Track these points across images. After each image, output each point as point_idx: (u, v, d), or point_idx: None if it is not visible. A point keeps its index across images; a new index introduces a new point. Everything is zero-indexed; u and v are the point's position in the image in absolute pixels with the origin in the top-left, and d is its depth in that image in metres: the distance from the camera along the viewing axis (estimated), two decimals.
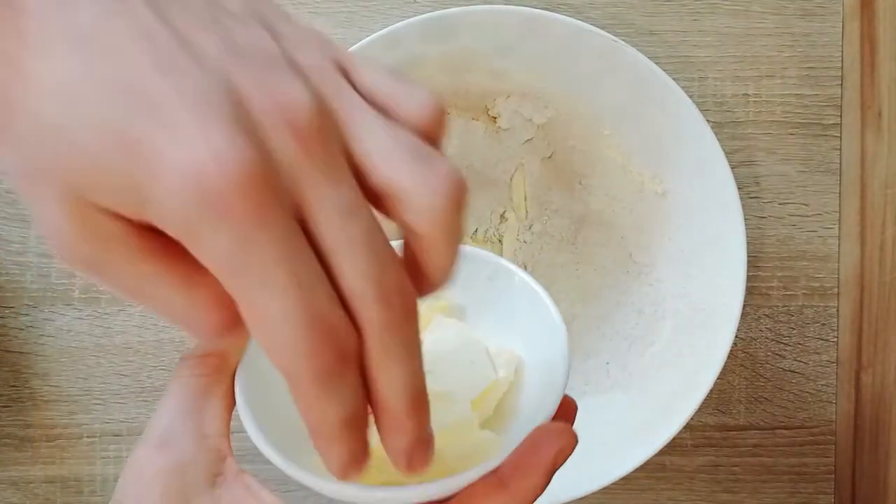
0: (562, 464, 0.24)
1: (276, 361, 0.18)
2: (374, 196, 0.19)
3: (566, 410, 0.27)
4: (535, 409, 0.27)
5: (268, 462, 0.24)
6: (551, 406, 0.26)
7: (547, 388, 0.27)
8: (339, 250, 0.18)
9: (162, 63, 0.17)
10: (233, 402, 0.26)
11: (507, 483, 0.23)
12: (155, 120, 0.17)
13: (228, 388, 0.26)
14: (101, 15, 0.18)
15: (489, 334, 0.31)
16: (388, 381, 0.19)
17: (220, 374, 0.26)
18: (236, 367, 0.26)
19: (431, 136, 0.20)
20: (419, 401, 0.20)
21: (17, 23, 0.18)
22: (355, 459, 0.20)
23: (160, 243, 0.18)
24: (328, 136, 0.18)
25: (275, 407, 0.25)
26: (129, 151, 0.17)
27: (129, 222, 0.18)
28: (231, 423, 0.26)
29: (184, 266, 0.19)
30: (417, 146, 0.19)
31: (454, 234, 0.20)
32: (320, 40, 0.20)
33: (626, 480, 0.41)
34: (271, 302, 0.18)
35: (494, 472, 0.23)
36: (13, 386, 0.47)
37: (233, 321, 0.19)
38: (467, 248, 0.28)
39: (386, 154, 0.19)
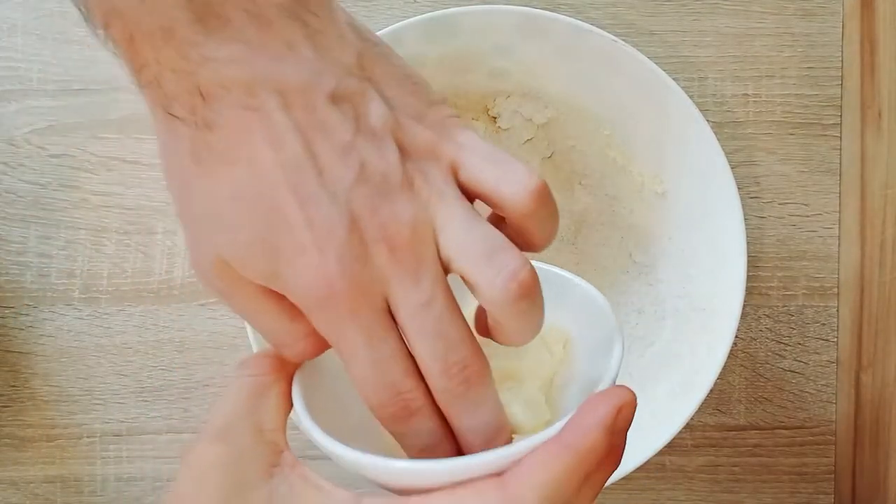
0: (625, 422, 0.24)
1: (371, 409, 0.25)
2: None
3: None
4: (592, 382, 0.27)
5: (324, 460, 0.26)
6: (609, 376, 0.26)
7: (600, 362, 0.28)
8: (414, 336, 0.24)
9: (302, 195, 0.23)
10: (289, 403, 0.27)
11: (566, 443, 0.23)
12: (290, 239, 0.24)
13: (285, 388, 0.27)
14: (262, 146, 0.23)
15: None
16: (458, 424, 0.26)
17: (277, 374, 0.27)
18: (293, 370, 0.28)
19: (529, 217, 0.25)
20: (491, 436, 0.26)
21: (208, 138, 0.24)
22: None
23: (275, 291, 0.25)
24: (418, 246, 0.24)
25: (332, 411, 0.27)
26: (268, 252, 0.24)
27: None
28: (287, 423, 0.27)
29: (290, 306, 0.25)
30: (492, 245, 0.24)
31: (523, 318, 0.25)
32: (442, 137, 0.25)
33: (626, 480, 0.41)
34: (355, 369, 0.25)
35: (556, 437, 0.23)
36: (13, 386, 0.47)
37: (317, 350, 0.26)
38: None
39: (463, 253, 0.24)
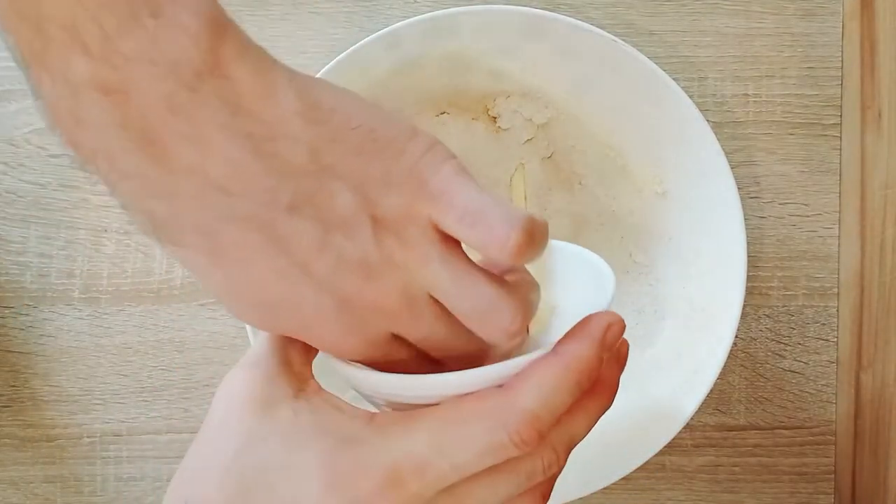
0: (613, 338, 0.26)
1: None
2: None
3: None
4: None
5: None
6: (602, 304, 0.28)
7: (594, 294, 0.30)
8: (429, 351, 0.27)
9: (293, 295, 0.25)
10: (314, 351, 0.29)
11: (560, 352, 0.26)
12: (296, 322, 0.26)
13: None
14: (242, 261, 0.24)
15: None
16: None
17: None
18: None
19: (517, 262, 0.25)
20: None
21: (178, 253, 0.25)
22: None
23: None
24: (412, 307, 0.25)
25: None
26: (281, 325, 0.26)
27: None
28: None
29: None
30: (482, 306, 0.25)
31: (518, 345, 0.27)
32: (416, 196, 0.25)
33: (626, 480, 0.41)
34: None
35: (550, 350, 0.26)
36: (13, 386, 0.47)
37: None
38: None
39: (456, 311, 0.26)
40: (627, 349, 0.29)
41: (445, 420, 0.25)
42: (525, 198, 0.45)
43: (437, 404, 0.26)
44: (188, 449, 0.27)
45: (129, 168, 0.23)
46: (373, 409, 0.28)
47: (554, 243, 0.33)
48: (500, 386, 0.26)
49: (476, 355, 0.28)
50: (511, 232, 0.24)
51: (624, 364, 0.29)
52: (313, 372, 0.29)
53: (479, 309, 0.25)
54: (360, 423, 0.26)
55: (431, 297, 0.26)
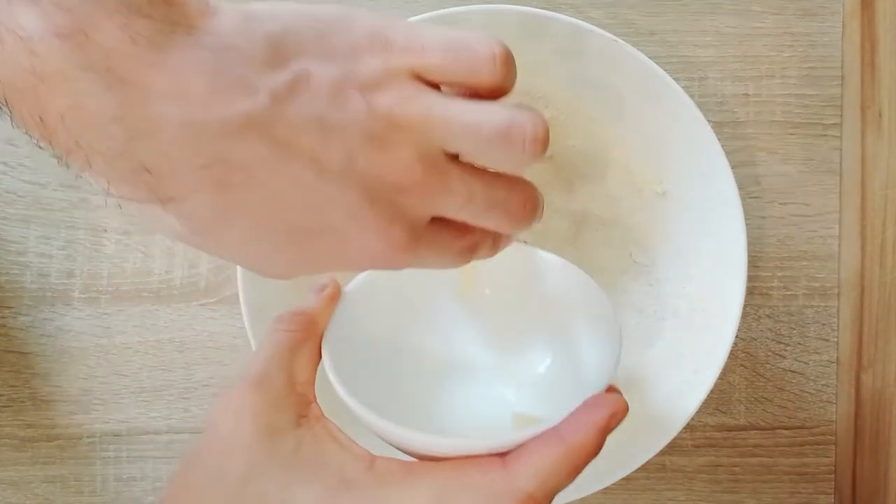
0: (614, 427, 0.27)
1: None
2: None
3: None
4: (588, 373, 0.30)
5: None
6: (606, 376, 0.28)
7: (597, 356, 0.30)
8: (475, 221, 0.26)
9: (317, 204, 0.24)
10: (318, 358, 0.30)
11: (564, 438, 0.26)
12: (331, 242, 0.25)
13: (315, 345, 0.30)
14: (252, 185, 0.23)
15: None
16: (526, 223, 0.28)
17: (308, 331, 0.30)
18: (323, 330, 0.31)
19: (504, 83, 0.25)
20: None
21: (181, 211, 0.23)
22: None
23: None
24: (434, 168, 0.25)
25: (355, 370, 0.30)
26: (317, 260, 0.26)
27: None
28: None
29: None
30: (495, 117, 0.25)
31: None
32: (386, 54, 0.25)
33: (626, 480, 0.41)
34: (438, 266, 0.28)
35: (555, 430, 0.26)
36: (13, 386, 0.47)
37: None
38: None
39: (473, 138, 0.25)
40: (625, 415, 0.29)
41: (446, 486, 0.25)
42: None
43: (440, 458, 0.26)
44: (187, 454, 0.27)
45: (105, 112, 0.21)
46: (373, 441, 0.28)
47: (557, 261, 0.35)
48: (502, 454, 0.26)
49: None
50: (493, 45, 0.24)
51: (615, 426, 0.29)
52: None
53: (499, 129, 0.25)
54: (360, 466, 0.26)
55: (449, 154, 0.25)
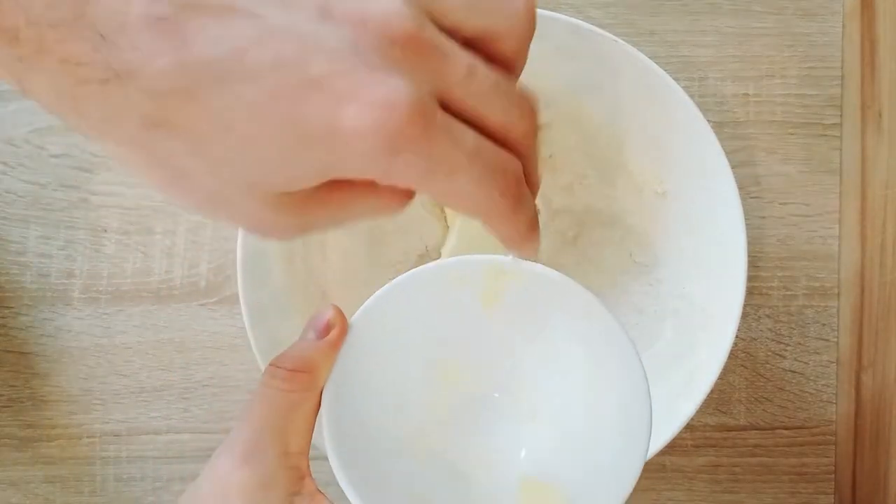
0: None
1: (482, 215, 0.23)
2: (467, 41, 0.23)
3: None
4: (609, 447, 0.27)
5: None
6: (632, 476, 0.26)
7: (622, 430, 0.27)
8: (480, 105, 0.22)
9: (297, 59, 0.20)
10: (315, 418, 0.27)
11: None
12: (324, 99, 0.20)
13: (313, 406, 0.27)
14: (214, 57, 0.19)
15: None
16: (535, 167, 0.25)
17: (308, 392, 0.27)
18: (323, 384, 0.27)
19: (524, 49, 0.24)
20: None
21: (151, 89, 0.19)
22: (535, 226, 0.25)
23: (335, 185, 0.22)
24: (425, 31, 0.21)
25: (356, 428, 0.27)
26: (311, 142, 0.20)
27: (310, 190, 0.22)
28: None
29: (357, 186, 0.23)
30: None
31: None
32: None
33: None
34: (461, 182, 0.22)
35: None
36: (13, 386, 0.47)
37: (406, 198, 0.24)
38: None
39: (470, 9, 0.22)
40: None
41: None
42: None
43: None
44: None
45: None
46: None
47: (589, 297, 0.31)
48: None
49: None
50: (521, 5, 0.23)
51: None
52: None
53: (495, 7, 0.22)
54: None
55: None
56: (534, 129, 0.24)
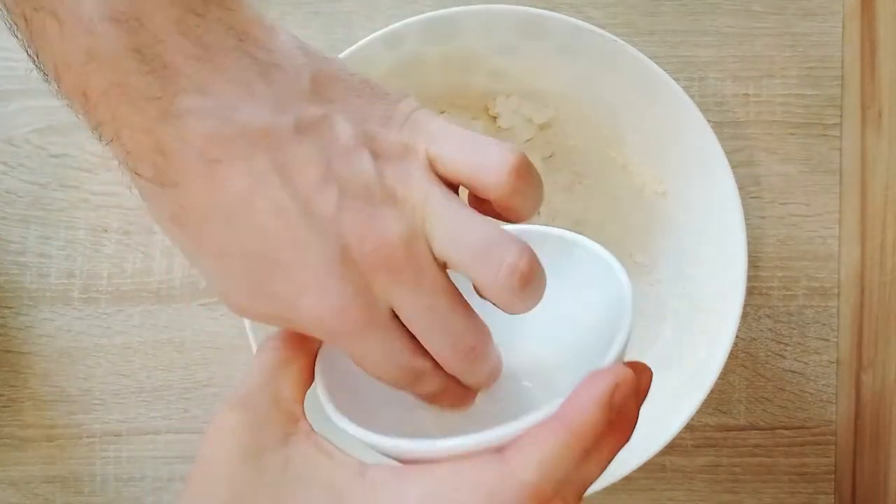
0: (623, 398, 0.24)
1: (384, 382, 0.27)
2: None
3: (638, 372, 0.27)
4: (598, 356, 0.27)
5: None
6: (613, 352, 0.26)
7: (607, 334, 0.27)
8: (422, 333, 0.26)
9: (290, 239, 0.24)
10: (309, 379, 0.28)
11: (564, 420, 0.24)
12: (288, 285, 0.24)
13: (306, 363, 0.28)
14: (235, 198, 0.24)
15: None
16: (466, 382, 0.28)
17: (298, 350, 0.28)
18: (317, 348, 0.29)
19: (512, 195, 0.25)
20: (492, 380, 0.29)
21: (179, 199, 0.24)
22: (461, 398, 0.29)
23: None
24: (414, 260, 0.25)
25: (354, 390, 0.28)
26: (271, 300, 0.25)
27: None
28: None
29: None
30: (485, 241, 0.25)
31: (528, 299, 0.26)
32: (414, 133, 0.26)
33: (626, 480, 0.41)
34: (368, 365, 0.27)
35: (554, 415, 0.24)
36: (13, 386, 0.47)
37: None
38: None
39: (459, 255, 0.25)
40: (650, 380, 0.27)
41: (438, 487, 0.24)
42: None
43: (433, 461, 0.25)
44: (183, 490, 0.27)
45: (146, 93, 0.23)
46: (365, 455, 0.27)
47: (562, 234, 0.32)
48: (498, 449, 0.24)
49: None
50: (507, 154, 0.25)
51: (644, 396, 0.27)
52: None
53: (484, 243, 0.25)
54: (350, 476, 0.25)
55: (434, 256, 0.25)
56: (466, 369, 0.27)
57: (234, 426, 0.26)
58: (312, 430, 0.27)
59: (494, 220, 0.26)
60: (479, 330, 0.27)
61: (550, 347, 0.33)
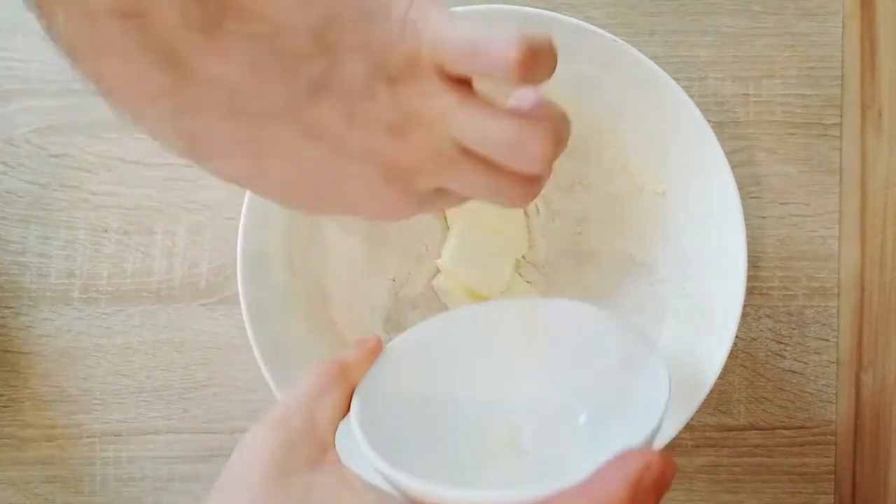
0: (651, 483, 0.24)
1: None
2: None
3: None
4: (628, 423, 0.29)
5: None
6: (644, 432, 0.27)
7: (639, 420, 0.28)
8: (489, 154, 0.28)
9: (336, 176, 0.27)
10: (345, 409, 0.30)
11: (588, 493, 0.24)
12: (356, 201, 0.28)
13: (344, 394, 0.30)
14: (291, 156, 0.26)
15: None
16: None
17: (338, 381, 0.30)
18: (356, 382, 0.31)
19: (524, 82, 0.26)
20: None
21: (218, 170, 0.27)
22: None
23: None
24: (446, 159, 0.27)
25: (385, 424, 0.30)
26: (342, 211, 0.28)
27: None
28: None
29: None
30: (505, 129, 0.26)
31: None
32: (422, 54, 0.26)
33: None
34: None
35: (581, 485, 0.24)
36: (13, 386, 0.47)
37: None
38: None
39: (483, 143, 0.27)
40: (673, 475, 0.26)
41: None
42: None
43: None
44: (207, 495, 0.27)
45: (157, 89, 0.24)
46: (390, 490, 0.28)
47: (598, 315, 0.34)
48: None
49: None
50: (508, 50, 0.25)
51: (665, 488, 0.26)
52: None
53: (507, 140, 0.26)
54: None
55: (463, 147, 0.27)
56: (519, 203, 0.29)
57: (269, 444, 0.27)
58: (339, 460, 0.28)
59: (517, 103, 0.27)
60: (526, 183, 0.28)
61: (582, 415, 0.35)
